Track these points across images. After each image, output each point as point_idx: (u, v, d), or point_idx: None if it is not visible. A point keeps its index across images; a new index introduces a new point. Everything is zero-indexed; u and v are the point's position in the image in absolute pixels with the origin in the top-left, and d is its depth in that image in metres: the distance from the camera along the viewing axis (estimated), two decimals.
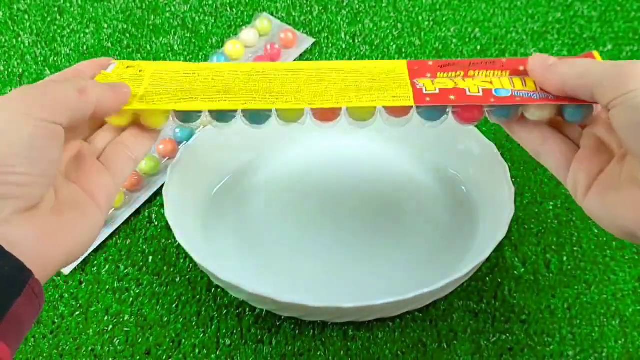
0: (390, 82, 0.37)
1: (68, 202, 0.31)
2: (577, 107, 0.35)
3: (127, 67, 0.39)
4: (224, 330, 0.46)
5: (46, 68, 0.63)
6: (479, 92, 0.36)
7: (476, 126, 0.49)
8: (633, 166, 0.32)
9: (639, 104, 0.30)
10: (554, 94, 0.35)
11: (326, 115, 0.36)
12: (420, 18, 0.67)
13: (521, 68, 0.37)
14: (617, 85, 0.31)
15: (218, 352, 0.45)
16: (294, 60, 0.63)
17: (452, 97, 0.35)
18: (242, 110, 0.36)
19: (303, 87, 0.37)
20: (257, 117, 0.37)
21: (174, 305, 0.47)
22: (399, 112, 0.36)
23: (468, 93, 0.36)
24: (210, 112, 0.36)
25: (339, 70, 0.38)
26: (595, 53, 0.36)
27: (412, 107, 0.36)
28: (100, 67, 0.38)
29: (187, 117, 0.37)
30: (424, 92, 0.36)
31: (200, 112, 0.37)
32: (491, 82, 0.36)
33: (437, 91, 0.36)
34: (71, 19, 0.67)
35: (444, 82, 0.36)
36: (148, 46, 0.64)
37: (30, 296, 0.28)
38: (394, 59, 0.63)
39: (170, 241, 0.50)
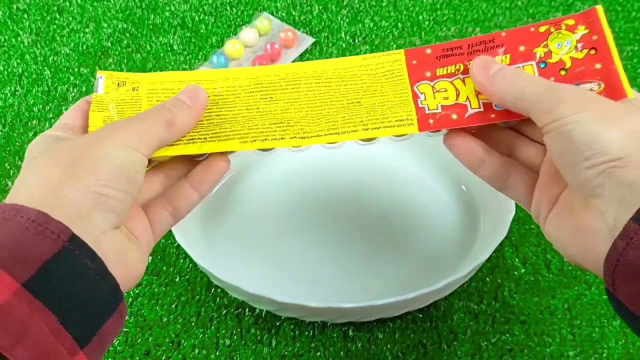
0: (391, 94, 0.36)
1: (126, 232, 0.33)
2: None
3: (118, 83, 0.37)
4: (224, 331, 0.46)
5: (45, 67, 0.62)
6: (479, 107, 0.35)
7: None
8: (570, 195, 0.31)
9: (568, 131, 0.29)
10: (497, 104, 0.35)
11: (332, 141, 0.36)
12: (420, 17, 0.67)
13: (521, 49, 0.36)
14: (548, 111, 0.30)
15: (217, 353, 0.45)
16: (294, 60, 0.63)
17: (454, 116, 0.35)
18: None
19: (306, 109, 0.36)
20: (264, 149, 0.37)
21: (173, 306, 0.47)
22: (402, 135, 0.36)
23: (469, 110, 0.35)
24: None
25: (339, 79, 0.37)
26: (599, 8, 0.35)
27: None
28: (83, 112, 0.37)
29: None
30: (427, 112, 0.35)
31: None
32: None
33: (439, 109, 0.35)
34: (71, 18, 0.67)
35: (445, 88, 0.36)
36: (148, 45, 0.64)
37: (118, 317, 0.29)
38: None
39: (169, 241, 0.50)
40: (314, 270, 0.47)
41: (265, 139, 0.36)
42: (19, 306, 0.25)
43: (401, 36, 0.65)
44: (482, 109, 0.35)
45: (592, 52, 0.35)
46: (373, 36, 0.65)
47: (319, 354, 0.45)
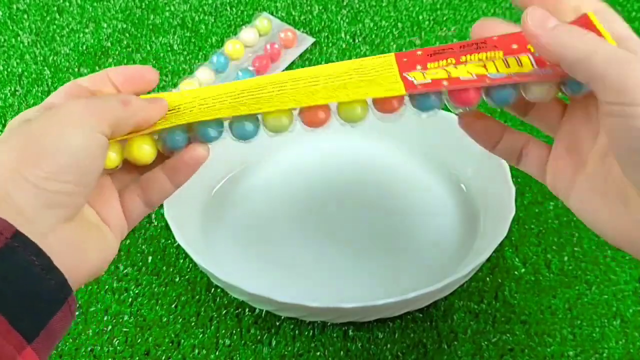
0: (379, 78, 0.36)
1: (90, 219, 0.32)
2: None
3: None
4: (224, 331, 0.45)
5: (45, 67, 0.62)
6: (472, 77, 0.34)
7: None
8: (623, 183, 0.29)
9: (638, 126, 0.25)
10: (548, 61, 0.32)
11: (315, 116, 0.35)
12: (420, 17, 0.67)
13: (514, 46, 0.35)
14: (618, 89, 0.26)
15: (217, 353, 0.45)
16: (294, 60, 0.63)
17: (445, 82, 0.34)
18: (229, 124, 0.35)
19: (290, 96, 0.36)
20: (242, 130, 0.36)
21: (173, 306, 0.47)
22: (390, 106, 0.35)
23: (462, 79, 0.34)
24: (194, 132, 0.35)
25: (327, 76, 0.37)
26: (591, 15, 0.32)
27: (403, 99, 0.35)
28: (125, 73, 0.36)
29: (170, 141, 0.36)
30: (415, 83, 0.34)
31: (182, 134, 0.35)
32: (485, 67, 0.34)
33: (429, 81, 0.34)
34: (70, 19, 0.67)
35: (436, 72, 0.35)
36: (148, 46, 0.64)
37: (67, 312, 0.28)
38: None
39: (169, 241, 0.50)
40: (314, 270, 0.47)
41: (247, 108, 0.35)
42: None
43: (401, 36, 0.65)
44: (475, 78, 0.34)
45: None
46: (373, 36, 0.65)
47: (318, 353, 0.44)
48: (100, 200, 0.33)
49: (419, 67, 0.35)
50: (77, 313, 0.46)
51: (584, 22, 0.33)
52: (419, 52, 0.36)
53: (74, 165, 0.29)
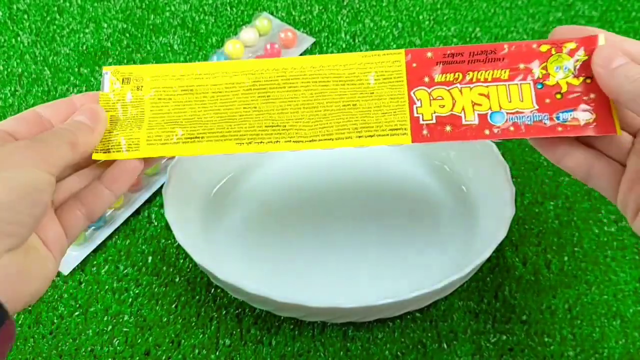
0: (388, 97, 0.36)
1: (31, 245, 0.32)
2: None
3: (123, 79, 0.38)
4: (224, 331, 0.46)
5: (45, 68, 0.62)
6: (474, 120, 0.35)
7: None
8: None
9: None
10: (549, 99, 0.35)
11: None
12: (420, 17, 0.67)
13: (521, 66, 0.36)
14: None
15: (217, 353, 0.45)
16: None
17: (448, 128, 0.35)
18: None
19: (302, 110, 0.36)
20: None
21: (173, 306, 0.47)
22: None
23: (464, 121, 0.35)
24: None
25: (336, 78, 0.37)
26: (601, 36, 0.35)
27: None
28: (93, 100, 0.38)
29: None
30: (421, 121, 0.36)
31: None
32: (488, 95, 0.36)
33: (434, 120, 0.36)
34: (71, 19, 0.67)
35: (441, 95, 0.36)
36: (148, 46, 0.64)
37: (6, 335, 0.28)
38: None
39: (169, 241, 0.50)
40: (314, 270, 0.47)
41: (261, 142, 0.36)
42: None
43: (401, 36, 0.65)
44: (476, 122, 0.35)
45: (588, 80, 0.35)
46: (373, 36, 0.65)
47: (318, 353, 0.45)
48: (39, 225, 0.33)
49: (426, 79, 0.36)
50: (81, 311, 0.46)
51: (593, 42, 0.35)
52: (429, 54, 0.37)
53: (26, 197, 0.30)
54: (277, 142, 0.36)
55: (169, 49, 0.64)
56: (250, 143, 0.36)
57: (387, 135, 0.36)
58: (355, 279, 0.46)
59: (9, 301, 0.29)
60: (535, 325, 0.46)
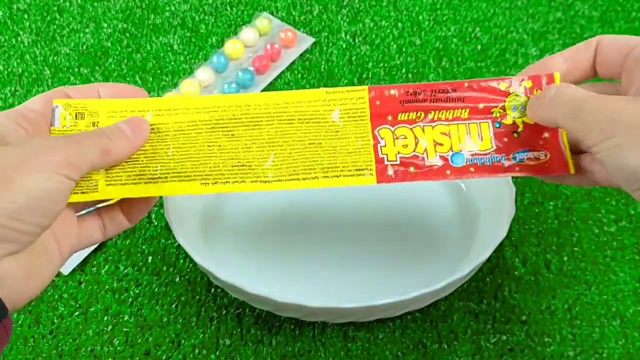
0: (352, 136, 0.37)
1: (40, 245, 0.32)
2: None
3: (76, 114, 0.35)
4: (224, 331, 0.46)
5: (45, 67, 0.62)
6: (436, 161, 0.37)
7: None
8: None
9: (618, 155, 0.29)
10: (505, 138, 0.37)
11: None
12: (420, 17, 0.67)
13: (480, 106, 0.37)
14: (594, 130, 0.30)
15: (218, 353, 0.45)
16: (295, 59, 0.63)
17: (412, 169, 0.36)
18: None
19: (267, 149, 0.36)
20: None
21: (173, 306, 0.47)
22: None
23: (427, 162, 0.37)
24: None
25: (301, 116, 0.37)
26: (557, 75, 0.36)
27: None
28: (117, 91, 0.37)
29: None
30: (386, 162, 0.36)
31: None
32: (449, 134, 0.37)
33: (398, 161, 0.36)
34: (71, 19, 0.67)
35: (405, 135, 0.37)
36: (148, 45, 0.64)
37: (2, 332, 0.28)
38: (395, 58, 0.63)
39: (170, 241, 0.50)
40: (313, 270, 0.47)
41: (227, 182, 0.36)
42: None
43: (401, 36, 0.65)
44: (439, 164, 0.36)
45: None
46: (373, 36, 0.65)
47: (319, 354, 0.45)
48: (59, 221, 0.33)
49: (389, 117, 0.37)
50: (81, 311, 0.46)
51: (550, 80, 0.36)
52: (393, 92, 0.37)
53: (39, 207, 0.29)
54: (242, 182, 0.36)
55: (169, 49, 0.64)
56: (215, 183, 0.36)
57: (353, 175, 0.36)
58: (356, 279, 0.47)
59: (9, 300, 0.29)
60: (535, 326, 0.46)
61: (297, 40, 0.64)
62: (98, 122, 0.36)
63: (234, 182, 0.36)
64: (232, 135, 0.36)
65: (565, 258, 0.49)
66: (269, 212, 0.51)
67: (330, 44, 0.64)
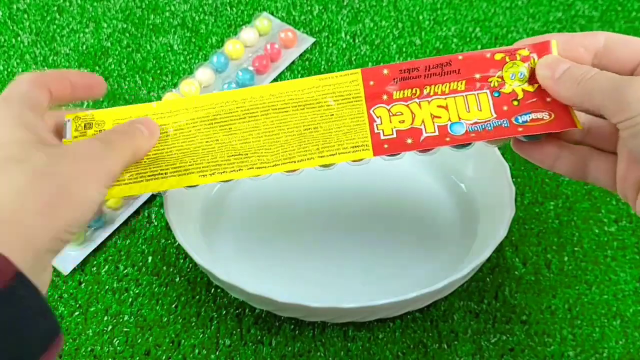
0: (348, 117, 0.37)
1: None
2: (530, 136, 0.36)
3: (85, 125, 0.38)
4: (224, 331, 0.45)
5: (45, 68, 0.62)
6: (434, 131, 0.36)
7: None
8: None
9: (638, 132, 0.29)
10: (506, 106, 0.35)
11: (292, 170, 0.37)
12: (420, 17, 0.66)
13: (477, 76, 0.36)
14: (618, 110, 0.29)
15: (217, 353, 0.45)
16: (294, 59, 0.63)
17: (409, 140, 0.36)
18: None
19: (264, 138, 0.37)
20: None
21: (173, 306, 0.47)
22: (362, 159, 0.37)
23: (424, 133, 0.36)
24: None
25: (295, 104, 0.37)
26: (553, 43, 0.35)
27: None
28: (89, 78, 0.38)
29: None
30: (382, 137, 0.36)
31: None
32: (446, 107, 0.36)
33: (394, 134, 0.36)
34: (70, 19, 0.67)
35: (401, 111, 0.36)
36: (148, 45, 0.64)
37: (53, 352, 0.28)
38: (395, 58, 0.63)
39: (169, 241, 0.50)
40: (314, 270, 0.47)
41: (224, 172, 0.36)
42: None
43: (401, 36, 0.65)
44: (437, 133, 0.36)
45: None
46: (373, 36, 0.65)
47: (319, 354, 0.44)
48: None
49: (385, 96, 0.37)
50: (81, 311, 0.46)
51: (546, 48, 0.35)
52: (386, 71, 0.37)
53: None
54: (239, 170, 0.36)
55: (169, 49, 0.64)
56: (213, 174, 0.36)
57: (349, 152, 0.36)
58: (356, 279, 0.46)
59: None
60: (535, 326, 0.46)
61: (297, 40, 0.64)
62: (104, 131, 0.38)
63: (231, 171, 0.36)
64: (229, 129, 0.37)
65: (566, 258, 0.49)
66: (269, 213, 0.51)
67: (330, 44, 0.64)
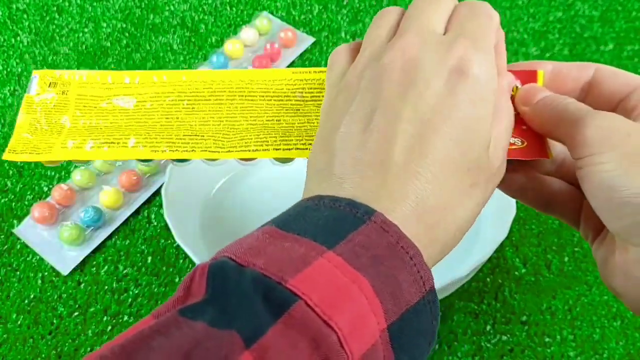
0: (313, 115, 0.36)
1: None
2: None
3: (50, 83, 0.37)
4: None
5: (45, 67, 0.62)
6: None
7: None
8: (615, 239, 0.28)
9: (592, 173, 0.26)
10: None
11: (246, 158, 0.36)
12: None
13: None
14: (581, 145, 0.27)
15: None
16: (294, 59, 0.63)
17: None
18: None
19: (224, 122, 0.36)
20: (180, 160, 0.36)
21: None
22: None
23: None
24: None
25: (263, 93, 0.37)
26: (540, 73, 0.34)
27: None
28: None
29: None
30: None
31: None
32: None
33: None
34: (70, 18, 0.67)
35: None
36: (147, 45, 0.64)
37: (379, 230, 0.25)
38: None
39: (169, 241, 0.50)
40: None
41: (176, 150, 0.35)
42: (378, 349, 0.23)
43: None
44: None
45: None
46: None
47: None
48: None
49: None
50: (80, 311, 0.46)
51: (532, 77, 0.34)
52: None
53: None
54: (192, 150, 0.35)
55: (169, 48, 0.64)
56: (164, 151, 0.35)
57: (307, 149, 0.35)
58: None
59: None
60: (535, 326, 0.46)
61: (297, 39, 0.63)
62: (68, 92, 0.37)
63: (184, 150, 0.35)
64: (192, 108, 0.36)
65: (566, 258, 0.49)
66: (268, 213, 0.51)
67: (330, 44, 0.64)
